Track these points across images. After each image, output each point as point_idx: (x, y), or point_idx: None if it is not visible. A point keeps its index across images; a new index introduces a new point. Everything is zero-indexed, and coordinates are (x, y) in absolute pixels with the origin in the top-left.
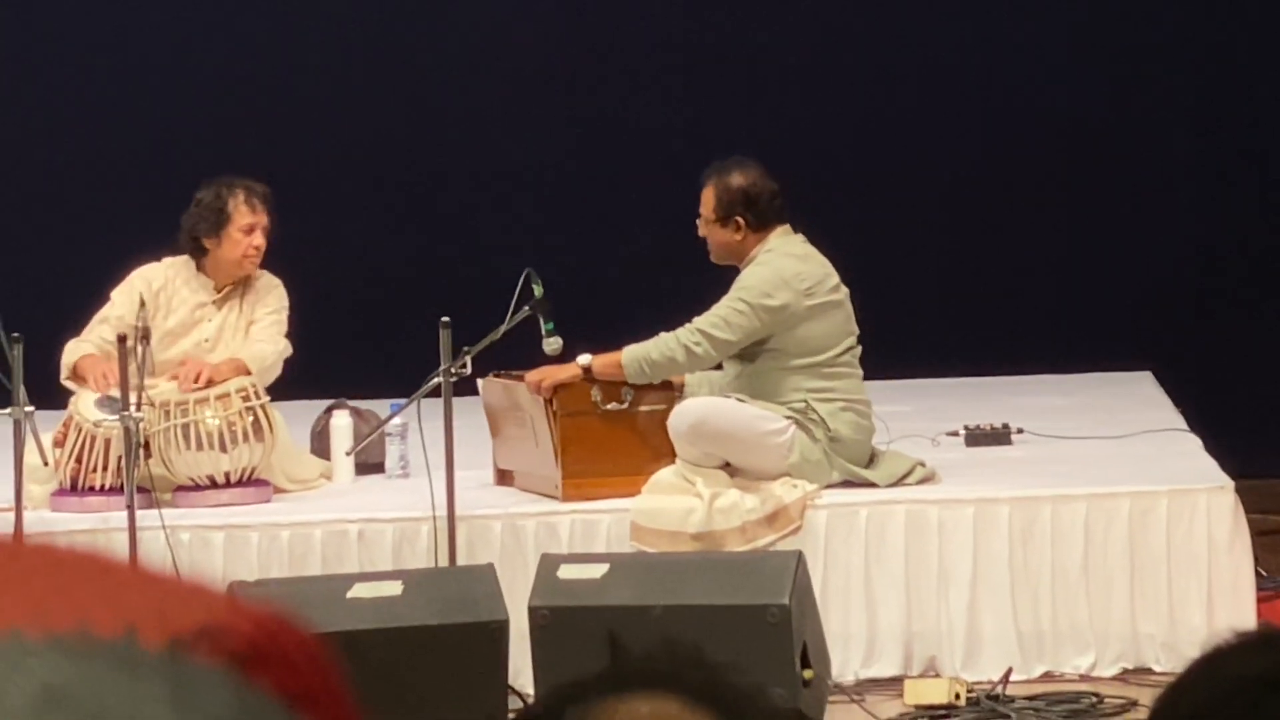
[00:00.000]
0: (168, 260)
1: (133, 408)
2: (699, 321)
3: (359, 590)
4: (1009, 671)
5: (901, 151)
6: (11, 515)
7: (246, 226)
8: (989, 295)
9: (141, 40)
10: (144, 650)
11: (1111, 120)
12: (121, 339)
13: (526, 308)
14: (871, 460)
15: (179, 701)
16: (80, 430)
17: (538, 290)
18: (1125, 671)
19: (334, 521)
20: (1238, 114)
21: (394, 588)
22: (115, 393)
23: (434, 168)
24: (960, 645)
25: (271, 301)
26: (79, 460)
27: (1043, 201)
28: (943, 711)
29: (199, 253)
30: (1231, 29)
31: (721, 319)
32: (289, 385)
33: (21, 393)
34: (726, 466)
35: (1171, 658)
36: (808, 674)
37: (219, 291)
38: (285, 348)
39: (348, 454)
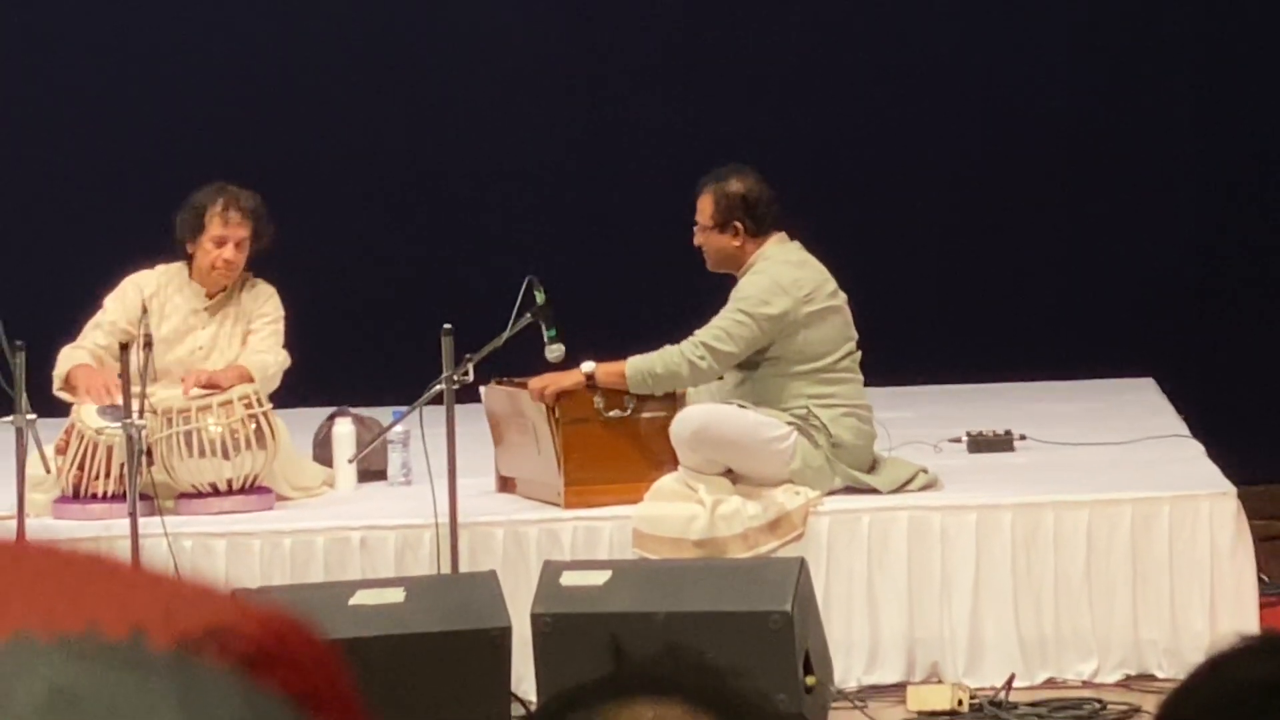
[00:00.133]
0: (160, 267)
1: (135, 415)
2: (701, 335)
3: (361, 597)
4: (1012, 678)
5: (902, 157)
6: (14, 523)
7: (217, 238)
8: (991, 301)
9: (142, 46)
10: (152, 652)
11: (1112, 125)
12: (124, 346)
13: (529, 315)
14: (874, 466)
15: (187, 703)
16: (83, 438)
17: (540, 297)
18: (1128, 678)
19: (336, 529)
20: (1239, 118)
21: (396, 595)
22: (118, 400)
23: (436, 174)
24: (963, 651)
25: (268, 310)
26: (81, 468)
27: (1044, 207)
28: (945, 717)
29: (188, 257)
30: (1233, 34)
31: (723, 331)
32: (291, 393)
33: (24, 400)
34: (729, 473)
35: (1174, 664)
36: (810, 680)
37: (210, 299)
38: (285, 359)
39: (350, 461)
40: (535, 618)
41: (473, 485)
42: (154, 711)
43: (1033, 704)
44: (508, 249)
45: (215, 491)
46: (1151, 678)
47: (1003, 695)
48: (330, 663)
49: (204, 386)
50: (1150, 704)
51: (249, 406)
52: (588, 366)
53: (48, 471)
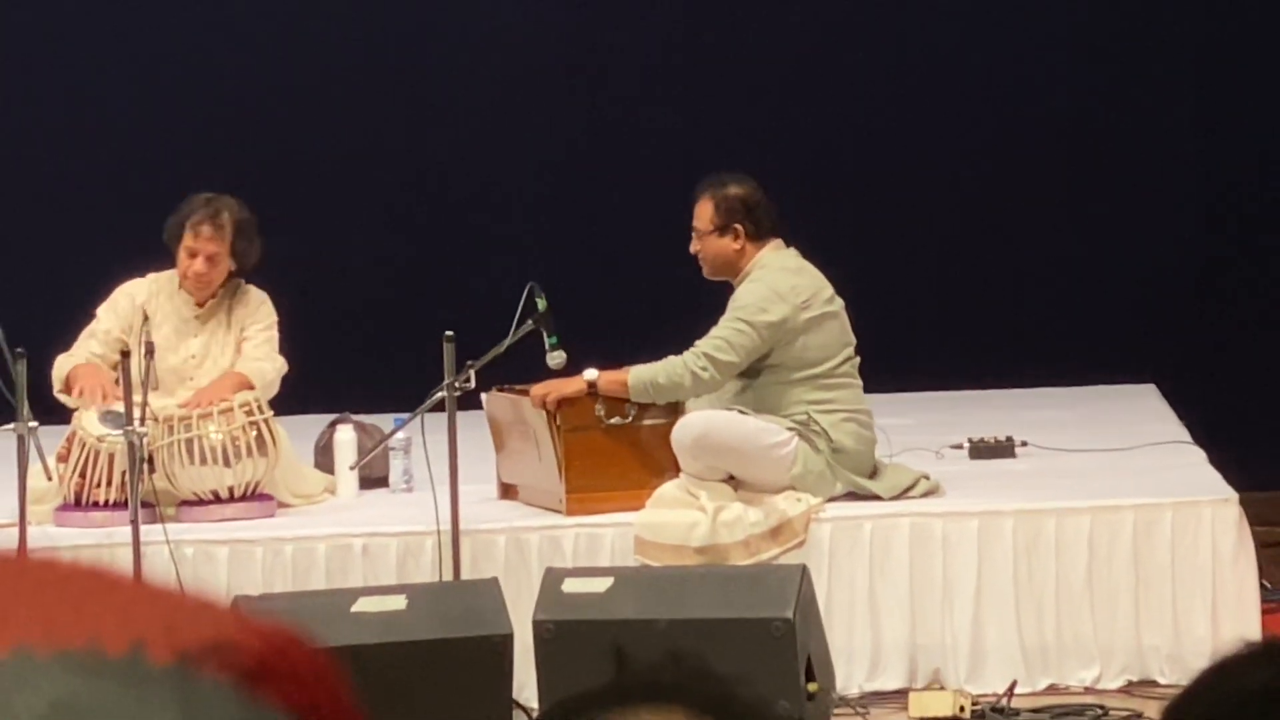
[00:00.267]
0: (152, 276)
1: (136, 423)
2: (702, 345)
3: (363, 604)
4: (1014, 684)
5: (902, 161)
6: (15, 531)
7: (189, 250)
8: (992, 307)
9: (142, 54)
10: (152, 665)
11: (1113, 129)
12: (125, 354)
13: (530, 321)
14: (875, 473)
15: (188, 716)
16: (84, 445)
17: (541, 304)
18: (1130, 684)
19: (338, 536)
20: (1240, 122)
21: (398, 602)
22: (118, 407)
23: (438, 179)
24: (965, 658)
25: (261, 317)
26: (83, 475)
27: (1045, 211)
28: None
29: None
30: (1234, 37)
31: (724, 341)
32: (292, 400)
33: (25, 408)
34: (730, 480)
35: (1176, 670)
36: (812, 687)
37: (200, 307)
38: (282, 365)
39: (351, 468)
40: (537, 625)
41: (474, 492)
42: None
43: (1035, 710)
44: (509, 255)
45: (217, 499)
46: (1154, 684)
47: (1005, 702)
48: (331, 675)
49: (206, 405)
50: (1153, 710)
51: (250, 414)
52: (590, 374)
53: (49, 479)
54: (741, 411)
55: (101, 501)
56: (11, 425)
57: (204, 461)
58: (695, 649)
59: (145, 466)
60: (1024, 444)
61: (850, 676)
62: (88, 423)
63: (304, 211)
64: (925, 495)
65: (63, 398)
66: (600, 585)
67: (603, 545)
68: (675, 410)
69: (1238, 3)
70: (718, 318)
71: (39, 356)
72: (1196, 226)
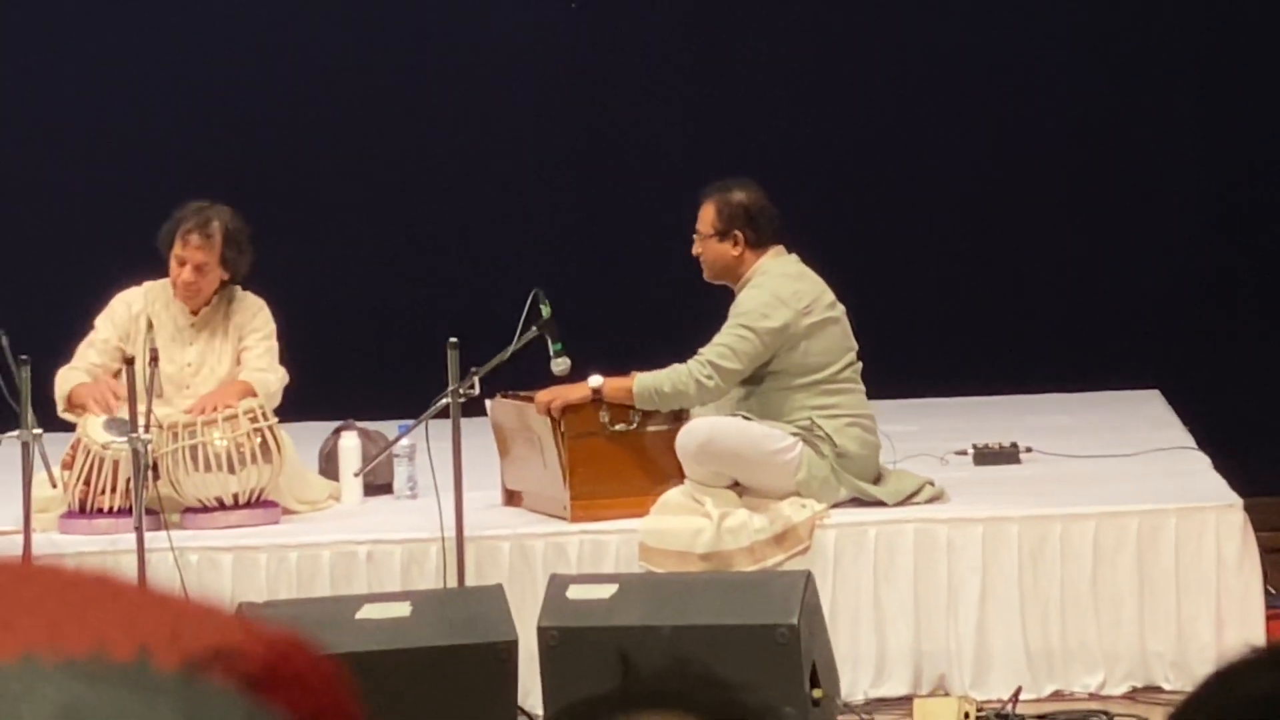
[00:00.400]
0: (147, 284)
1: (141, 430)
2: (706, 353)
3: (368, 611)
4: (1018, 690)
5: (907, 168)
6: (20, 538)
7: (178, 258)
8: (996, 314)
9: (146, 62)
10: (158, 672)
11: (1119, 136)
12: (129, 361)
13: (534, 328)
14: (880, 478)
15: None
16: (88, 452)
17: (546, 310)
18: (1134, 690)
19: (342, 543)
20: (1246, 130)
21: (403, 609)
22: (123, 414)
23: (442, 187)
24: (969, 664)
25: (259, 325)
26: (87, 483)
27: (1050, 218)
28: None
29: None
30: (1241, 45)
31: (727, 348)
32: (297, 406)
33: (29, 415)
34: (735, 486)
35: (1181, 676)
36: (817, 694)
37: (195, 315)
38: (284, 376)
39: (356, 475)
40: (542, 631)
41: (479, 499)
42: None
43: (1039, 716)
44: (514, 262)
45: (221, 506)
46: (1159, 690)
47: (1010, 708)
48: (336, 682)
49: (210, 411)
50: (1157, 716)
51: (254, 420)
52: (594, 381)
53: (54, 486)
54: (745, 417)
55: (106, 509)
56: (16, 433)
57: (209, 468)
58: (700, 655)
59: (150, 473)
60: (1029, 450)
61: (855, 683)
62: (92, 430)
63: (308, 218)
64: (930, 501)
65: (67, 416)
66: (605, 592)
67: (607, 552)
68: (680, 417)
69: (1246, 9)
70: (721, 324)
71: (41, 364)
72: (1201, 232)
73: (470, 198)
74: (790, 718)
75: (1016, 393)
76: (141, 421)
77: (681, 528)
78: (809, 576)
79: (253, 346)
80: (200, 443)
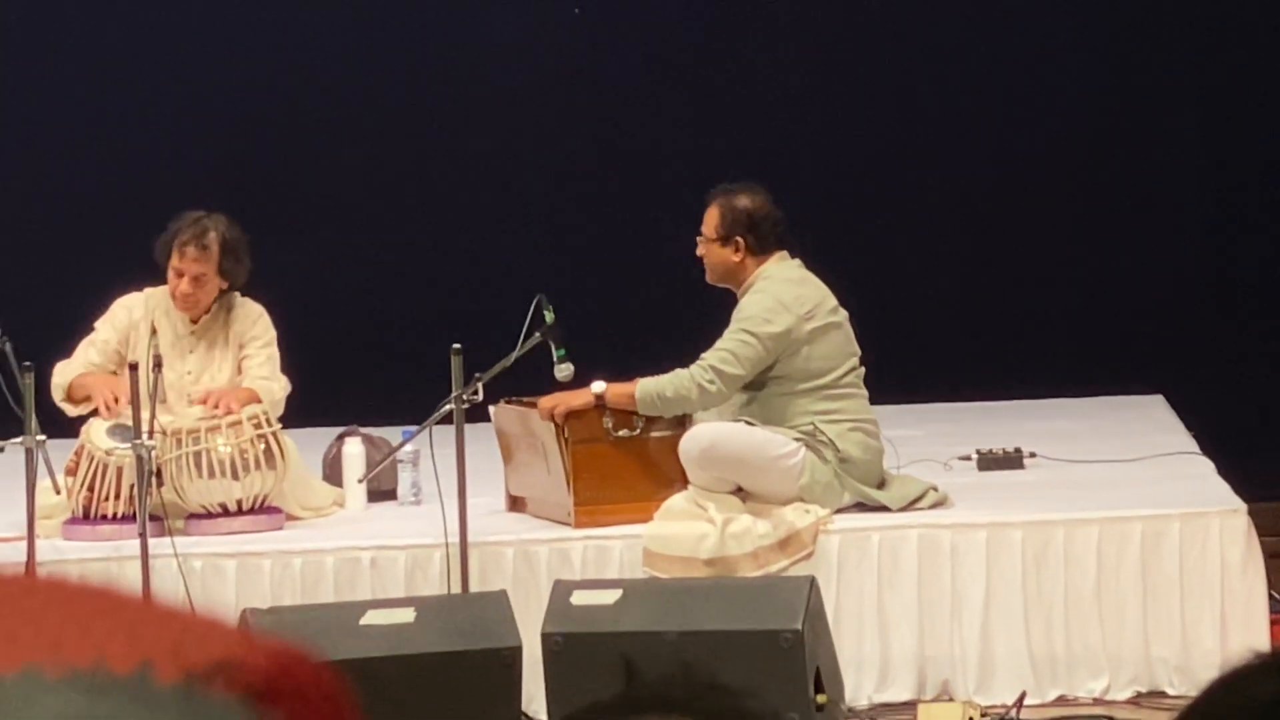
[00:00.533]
0: (148, 290)
1: (145, 436)
2: (708, 358)
3: (372, 617)
4: (1023, 695)
5: (910, 173)
6: (24, 544)
7: (175, 270)
8: (1000, 319)
9: (150, 67)
10: (159, 684)
11: (1121, 142)
12: (133, 367)
13: (538, 334)
14: (883, 484)
15: None
16: (92, 459)
17: (549, 316)
18: (1139, 695)
19: (346, 549)
20: (1249, 134)
21: (407, 615)
22: (127, 420)
23: (445, 193)
24: (973, 669)
25: (259, 333)
26: (91, 489)
27: (1053, 223)
28: None
29: None
30: (1244, 48)
31: (730, 353)
32: (301, 412)
33: (33, 422)
34: (738, 491)
35: (1185, 681)
36: (821, 699)
37: (194, 323)
38: (287, 384)
39: (360, 481)
40: (546, 637)
41: (483, 505)
42: None
43: None
44: (517, 268)
45: (225, 512)
46: (1163, 695)
47: (1014, 713)
48: (336, 694)
49: (214, 405)
50: None
51: (258, 426)
52: (597, 387)
53: (57, 493)
54: (749, 423)
55: (110, 515)
56: (20, 439)
57: (212, 475)
58: (704, 661)
59: (153, 480)
60: (1032, 455)
61: (859, 688)
62: (96, 436)
63: (312, 223)
64: (934, 506)
65: (65, 406)
66: (609, 597)
67: (611, 557)
68: (683, 422)
69: (1248, 16)
70: (724, 330)
71: (44, 371)
72: (1205, 237)
73: (473, 203)
74: None
75: (1020, 398)
76: (145, 428)
77: (685, 533)
78: (813, 582)
79: (254, 355)
80: (204, 449)
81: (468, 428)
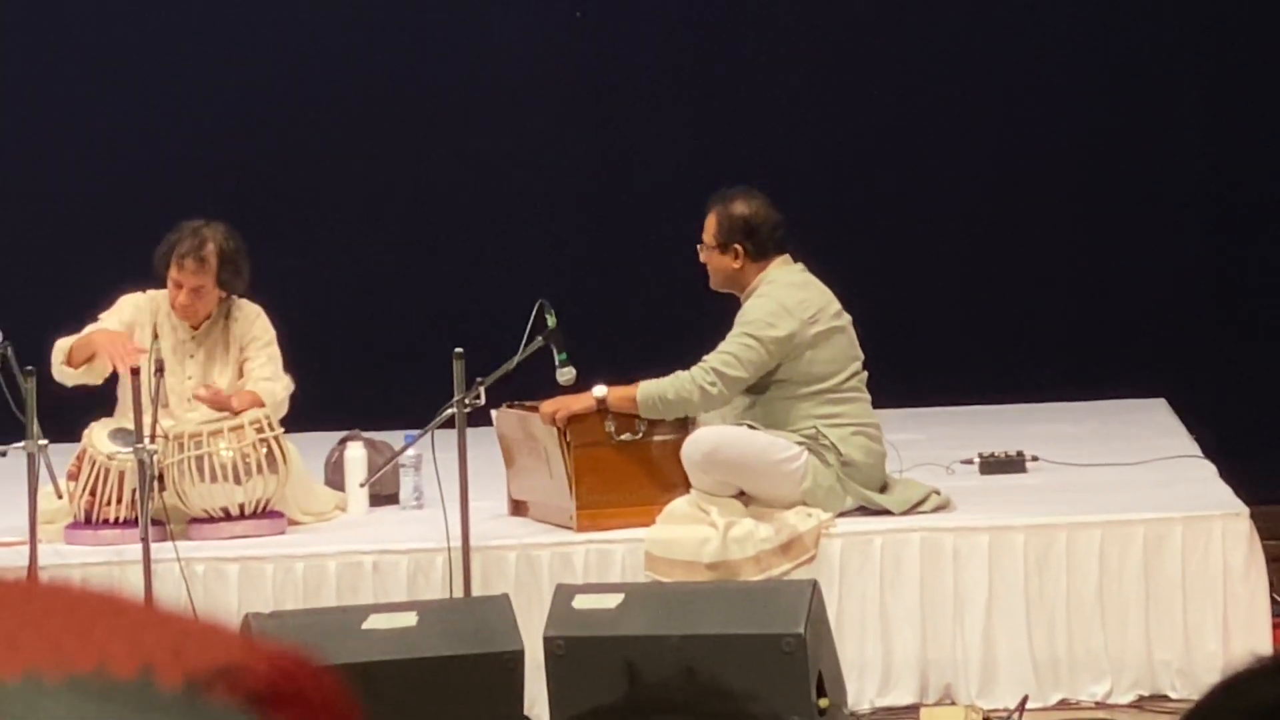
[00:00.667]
0: (151, 293)
1: (146, 440)
2: (710, 360)
3: (374, 621)
4: (1025, 699)
5: (912, 178)
6: (26, 548)
7: (174, 281)
8: (1002, 322)
9: (152, 70)
10: (161, 690)
11: (1123, 144)
12: (134, 371)
13: (540, 338)
14: (885, 487)
15: None
16: (94, 463)
17: (551, 321)
18: (1141, 699)
19: (348, 553)
20: (1251, 138)
21: (409, 619)
22: (128, 425)
23: (447, 197)
24: (976, 673)
25: (258, 333)
26: (93, 493)
27: (1055, 227)
28: None
29: None
30: (1246, 49)
31: (732, 356)
32: (303, 417)
33: (35, 426)
34: (741, 495)
35: (1187, 685)
36: (823, 703)
37: (195, 328)
38: (289, 383)
39: (362, 485)
40: (548, 641)
41: (485, 509)
42: None
43: None
44: (519, 272)
45: (227, 516)
46: (1165, 698)
47: (1016, 716)
48: (339, 699)
49: (215, 404)
50: None
51: (260, 431)
52: (599, 391)
53: (59, 497)
54: (751, 426)
55: (112, 519)
56: (21, 443)
57: (214, 479)
58: (706, 665)
59: (155, 484)
60: (1034, 459)
61: (861, 692)
62: (98, 440)
63: (313, 228)
64: (936, 510)
65: (63, 370)
66: (611, 601)
67: (613, 561)
68: (685, 426)
69: (1250, 19)
70: (727, 333)
71: (46, 374)
72: (1207, 241)
73: (475, 207)
74: None
75: (1022, 401)
76: (147, 432)
77: (687, 537)
78: (815, 586)
79: (254, 356)
80: (206, 453)
81: (470, 432)
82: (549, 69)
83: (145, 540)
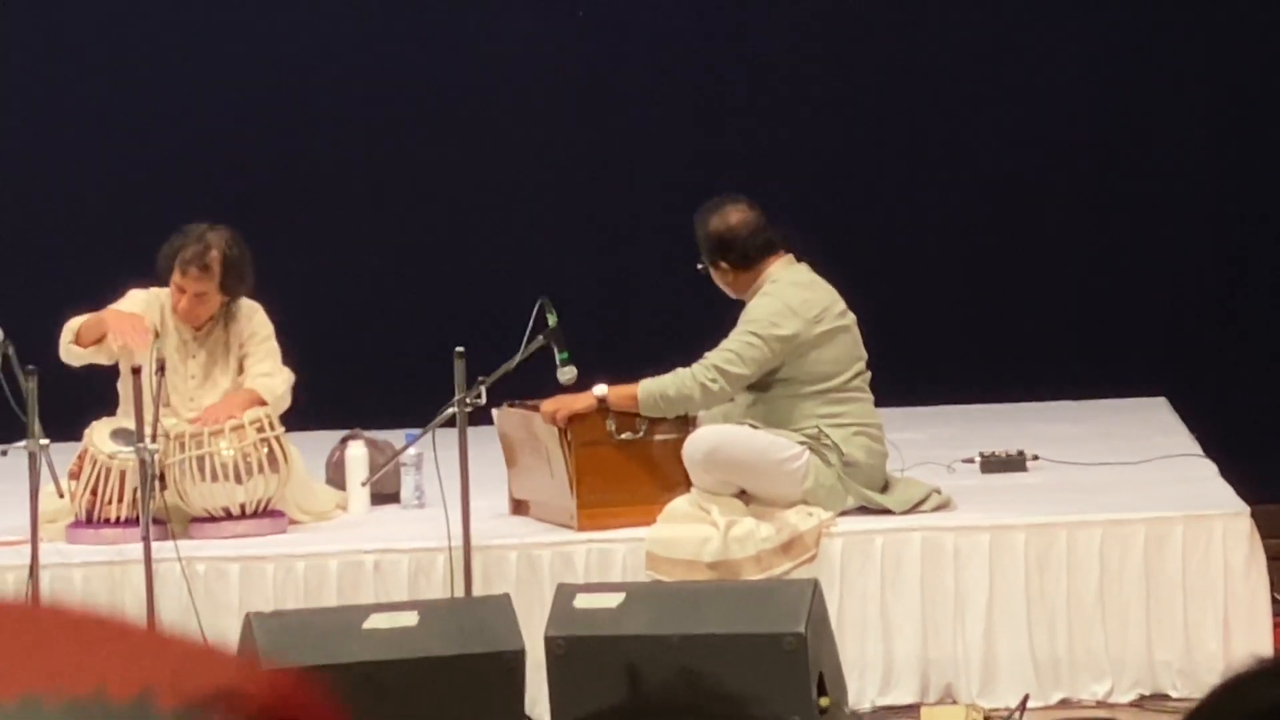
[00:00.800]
0: (155, 290)
1: (148, 440)
2: (712, 357)
3: (375, 621)
4: (1026, 698)
5: (914, 177)
6: (27, 548)
7: (177, 286)
8: (1003, 321)
9: (153, 70)
10: (159, 713)
11: (1126, 144)
12: (136, 370)
13: (541, 337)
14: (886, 487)
15: None
16: (95, 462)
17: (552, 319)
18: (1142, 698)
19: (349, 552)
20: (1257, 137)
21: (410, 618)
22: (129, 425)
23: (448, 196)
24: (977, 672)
25: (256, 329)
26: (94, 493)
27: (1057, 226)
28: None
29: None
30: (1251, 49)
31: (735, 354)
32: (304, 416)
33: (36, 425)
34: (742, 494)
35: (1188, 684)
36: (824, 702)
37: (198, 329)
38: (290, 375)
39: (363, 484)
40: (549, 640)
41: (486, 508)
42: None
43: None
44: (520, 271)
45: (228, 516)
46: (1166, 698)
47: (1017, 716)
48: None
49: (216, 420)
50: None
51: (261, 430)
52: (600, 389)
53: (61, 496)
54: (753, 425)
55: (113, 519)
56: (23, 443)
57: (215, 478)
58: (707, 664)
59: (156, 483)
60: (1035, 458)
61: (862, 691)
62: (99, 440)
63: (315, 226)
64: (937, 509)
65: (71, 350)
66: (612, 601)
67: (614, 561)
68: (686, 425)
69: (1257, 20)
70: (728, 333)
71: (47, 375)
72: (1209, 239)
73: (476, 206)
74: None
75: (1023, 400)
76: (149, 431)
77: (688, 536)
78: (816, 585)
79: (253, 351)
80: (207, 453)
81: (471, 431)
82: (549, 69)
83: (146, 539)
